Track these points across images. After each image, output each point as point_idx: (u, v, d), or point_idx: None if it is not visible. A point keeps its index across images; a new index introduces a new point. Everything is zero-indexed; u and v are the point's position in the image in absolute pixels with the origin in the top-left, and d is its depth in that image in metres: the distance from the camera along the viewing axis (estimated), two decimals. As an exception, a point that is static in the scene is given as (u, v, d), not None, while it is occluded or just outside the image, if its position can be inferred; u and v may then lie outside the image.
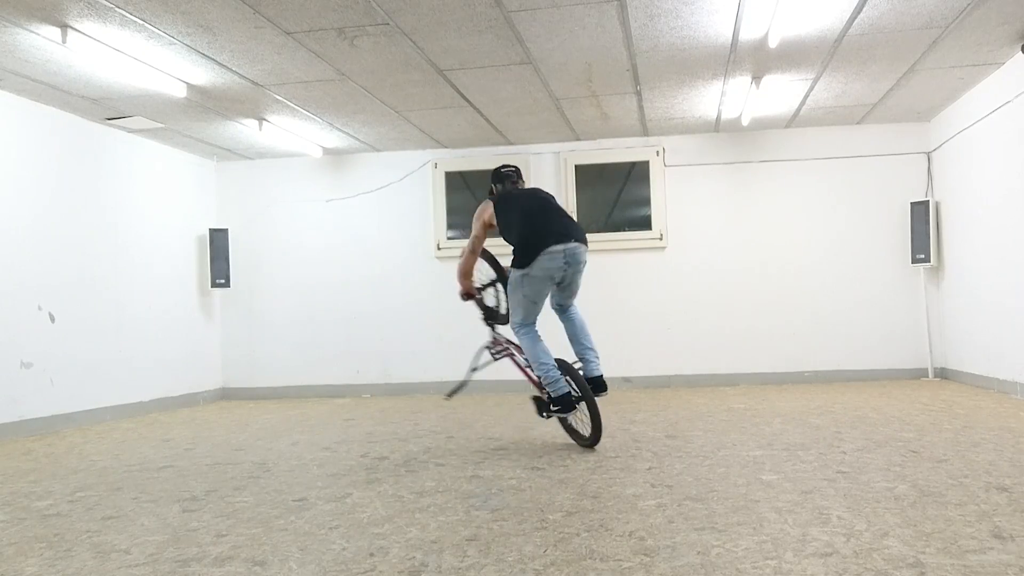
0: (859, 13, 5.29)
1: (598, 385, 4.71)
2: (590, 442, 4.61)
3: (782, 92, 7.08)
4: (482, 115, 7.52)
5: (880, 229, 8.39)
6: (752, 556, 2.51)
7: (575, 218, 8.73)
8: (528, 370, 4.95)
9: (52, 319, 6.68)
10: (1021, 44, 5.92)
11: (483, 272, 5.26)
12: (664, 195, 8.66)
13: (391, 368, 8.95)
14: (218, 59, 5.70)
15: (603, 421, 4.64)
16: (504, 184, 5.18)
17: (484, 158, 8.81)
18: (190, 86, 6.27)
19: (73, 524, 3.29)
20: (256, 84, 6.31)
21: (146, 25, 5.02)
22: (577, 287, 4.91)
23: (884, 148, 8.40)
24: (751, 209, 8.58)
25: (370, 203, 9.05)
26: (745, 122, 7.80)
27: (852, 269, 8.42)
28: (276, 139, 8.08)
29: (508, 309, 4.93)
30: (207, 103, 6.78)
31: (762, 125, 8.31)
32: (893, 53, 6.10)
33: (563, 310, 4.95)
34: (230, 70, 5.95)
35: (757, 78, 6.63)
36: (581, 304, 9.14)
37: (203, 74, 6.01)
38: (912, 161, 8.36)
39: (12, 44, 5.28)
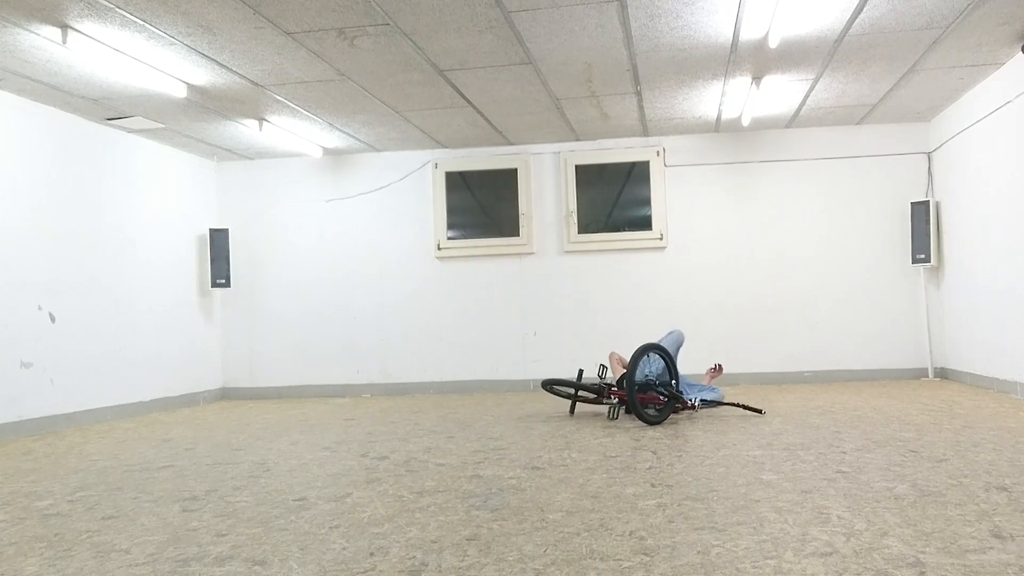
0: (859, 13, 5.29)
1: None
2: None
3: (782, 92, 7.09)
4: (482, 115, 7.52)
5: (880, 229, 8.39)
6: (752, 556, 2.51)
7: (576, 220, 8.82)
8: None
9: (52, 319, 6.68)
10: (1021, 44, 5.92)
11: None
12: (664, 195, 8.67)
13: (391, 368, 8.95)
14: (218, 59, 5.70)
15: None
16: None
17: (484, 158, 8.82)
18: (190, 86, 6.27)
19: (73, 524, 3.29)
20: (256, 84, 6.31)
21: (146, 25, 5.02)
22: None
23: (884, 148, 8.40)
24: (751, 209, 8.59)
25: (370, 203, 9.05)
26: (745, 122, 7.80)
27: (852, 269, 8.43)
28: (276, 139, 8.08)
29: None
30: (207, 103, 6.78)
31: (762, 125, 8.31)
32: (893, 53, 6.10)
33: None
34: (230, 70, 5.95)
35: (757, 78, 6.63)
36: (582, 304, 9.17)
37: (203, 74, 6.01)
38: (912, 161, 8.36)
39: (12, 44, 5.28)
